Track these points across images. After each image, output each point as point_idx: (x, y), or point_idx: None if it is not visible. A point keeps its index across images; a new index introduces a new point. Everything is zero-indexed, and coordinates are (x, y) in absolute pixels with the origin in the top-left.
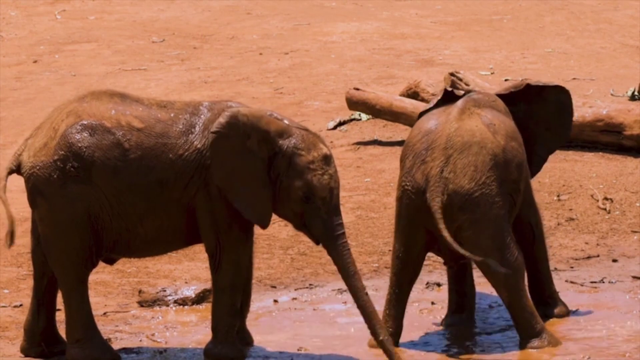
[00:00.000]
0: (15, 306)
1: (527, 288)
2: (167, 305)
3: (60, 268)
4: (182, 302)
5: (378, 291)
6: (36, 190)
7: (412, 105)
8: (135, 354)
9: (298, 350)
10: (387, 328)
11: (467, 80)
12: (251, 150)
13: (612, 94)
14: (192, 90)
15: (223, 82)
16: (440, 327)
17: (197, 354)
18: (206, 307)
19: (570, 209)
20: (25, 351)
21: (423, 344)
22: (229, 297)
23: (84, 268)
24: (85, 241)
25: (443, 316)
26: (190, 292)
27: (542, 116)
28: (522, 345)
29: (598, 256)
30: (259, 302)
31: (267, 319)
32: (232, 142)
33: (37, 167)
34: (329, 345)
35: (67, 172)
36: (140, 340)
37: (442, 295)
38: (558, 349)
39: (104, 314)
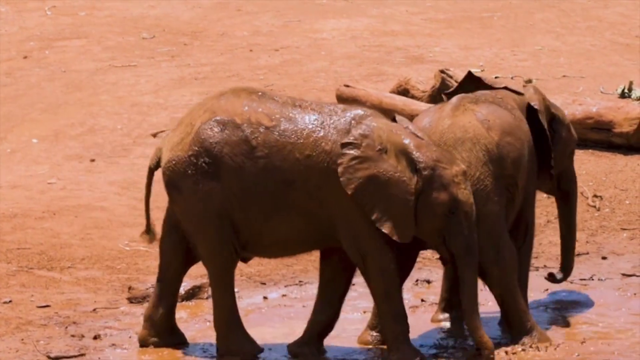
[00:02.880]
0: (4, 302)
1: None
2: None
3: (206, 261)
4: None
5: (367, 288)
6: (172, 185)
7: (402, 102)
8: (125, 350)
9: (288, 346)
10: (377, 324)
11: (458, 77)
12: (388, 162)
13: (601, 92)
14: (182, 87)
15: (213, 79)
16: (430, 324)
17: (186, 350)
18: (196, 304)
19: None
20: (143, 341)
21: (412, 341)
22: (385, 305)
23: (226, 264)
24: (224, 235)
25: (432, 313)
26: (180, 288)
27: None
28: (513, 343)
29: (587, 253)
30: (249, 299)
31: (257, 316)
32: (365, 153)
33: (173, 162)
34: None
35: (200, 167)
36: (130, 337)
37: (432, 292)
38: (548, 346)
39: (94, 310)
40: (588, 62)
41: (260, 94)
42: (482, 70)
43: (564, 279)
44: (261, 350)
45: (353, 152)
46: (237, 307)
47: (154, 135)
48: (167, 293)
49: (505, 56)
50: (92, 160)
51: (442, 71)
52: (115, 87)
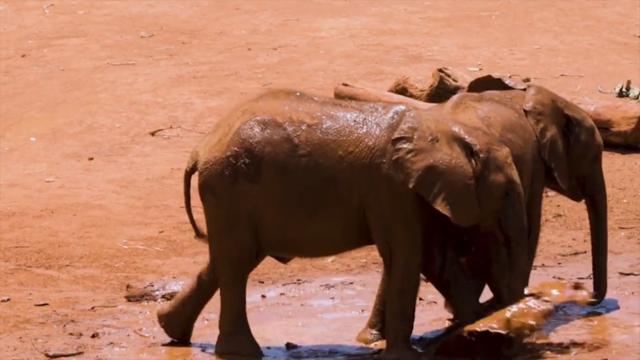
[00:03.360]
0: (2, 300)
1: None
2: (155, 300)
3: (218, 265)
4: (170, 297)
5: (366, 286)
6: (206, 186)
7: (401, 101)
8: (123, 349)
9: (286, 345)
10: (376, 322)
11: (456, 76)
12: (441, 150)
13: (600, 91)
14: (180, 85)
15: (211, 77)
16: (426, 323)
17: (184, 349)
18: None
19: (558, 205)
20: (160, 315)
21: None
22: (397, 302)
23: (242, 267)
24: (246, 241)
25: (430, 312)
26: (178, 287)
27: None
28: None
29: (585, 252)
30: (247, 297)
31: (255, 314)
32: (419, 144)
33: (210, 163)
34: (317, 340)
35: (238, 168)
36: (128, 335)
37: (430, 291)
38: (545, 345)
39: (92, 308)
40: (586, 61)
41: (298, 94)
42: (480, 70)
43: (599, 299)
44: (262, 355)
45: (407, 145)
46: (245, 309)
47: (153, 134)
48: (204, 293)
49: (503, 55)
50: (91, 159)
51: (440, 70)
52: (113, 86)
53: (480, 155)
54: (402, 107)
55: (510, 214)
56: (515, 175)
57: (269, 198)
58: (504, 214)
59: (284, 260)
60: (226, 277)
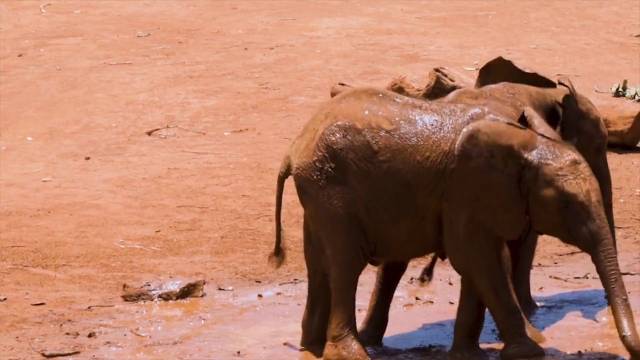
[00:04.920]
0: None
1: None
2: (152, 300)
3: (331, 265)
4: (167, 296)
5: (362, 286)
6: (301, 190)
7: None
8: (119, 348)
9: (284, 345)
10: (372, 321)
11: (452, 76)
12: (497, 167)
13: (596, 91)
14: (177, 85)
15: (208, 77)
16: (423, 322)
17: (181, 349)
18: (191, 302)
19: None
20: (305, 347)
21: (406, 339)
22: (495, 299)
23: (353, 267)
24: (352, 241)
25: (426, 311)
26: (174, 286)
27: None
28: (504, 341)
29: (582, 252)
30: (244, 297)
31: (252, 314)
32: (475, 162)
33: (301, 168)
34: None
35: (326, 172)
36: (125, 335)
37: (427, 290)
38: (541, 344)
39: (88, 308)
40: (583, 61)
41: (381, 95)
42: (476, 69)
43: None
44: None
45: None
46: (355, 312)
47: (149, 134)
48: (320, 301)
49: (500, 55)
50: (87, 158)
51: (436, 70)
52: (110, 85)
53: (528, 173)
54: (478, 110)
55: (574, 224)
56: (570, 186)
57: (357, 202)
58: (569, 226)
59: (374, 263)
60: (338, 278)
